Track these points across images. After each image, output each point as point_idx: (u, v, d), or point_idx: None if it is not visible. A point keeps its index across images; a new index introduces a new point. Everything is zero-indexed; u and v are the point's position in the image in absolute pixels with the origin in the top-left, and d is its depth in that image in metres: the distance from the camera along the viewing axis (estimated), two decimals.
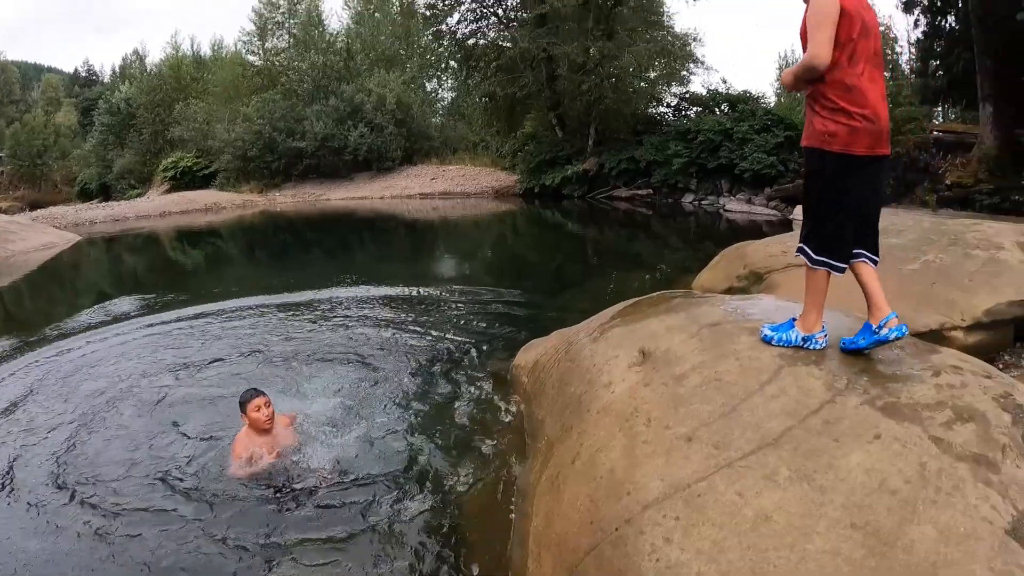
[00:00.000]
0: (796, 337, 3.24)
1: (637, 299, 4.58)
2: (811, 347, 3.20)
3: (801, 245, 3.24)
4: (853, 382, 2.88)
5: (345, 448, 4.37)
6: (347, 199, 30.65)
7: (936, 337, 4.99)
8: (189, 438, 4.71)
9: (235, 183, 34.59)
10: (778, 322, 3.39)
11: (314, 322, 7.89)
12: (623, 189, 26.32)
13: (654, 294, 4.62)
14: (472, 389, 5.41)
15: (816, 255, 3.18)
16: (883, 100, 3.15)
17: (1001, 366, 5.15)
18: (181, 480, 4.13)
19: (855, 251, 3.24)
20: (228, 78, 40.15)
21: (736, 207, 21.46)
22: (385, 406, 5.13)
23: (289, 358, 6.47)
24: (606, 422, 3.21)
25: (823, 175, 3.13)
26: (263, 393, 4.32)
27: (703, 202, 23.77)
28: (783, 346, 3.23)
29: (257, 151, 33.19)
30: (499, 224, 22.57)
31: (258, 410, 4.20)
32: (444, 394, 5.37)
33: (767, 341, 3.27)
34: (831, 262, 3.18)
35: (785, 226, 15.61)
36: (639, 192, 25.92)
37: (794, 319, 3.32)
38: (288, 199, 31.73)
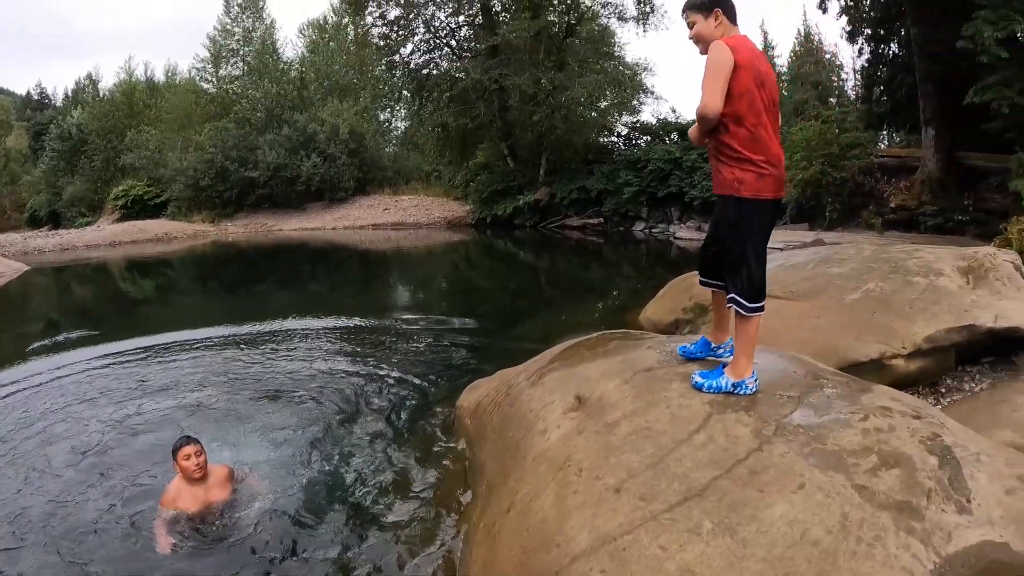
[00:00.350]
0: (726, 383, 3.25)
1: (577, 340, 4.57)
2: (742, 392, 3.22)
3: (733, 296, 3.26)
4: (781, 428, 2.88)
5: (282, 500, 4.24)
6: (300, 230, 30.43)
7: (878, 366, 5.07)
8: (116, 492, 4.51)
9: (187, 213, 34.08)
10: (709, 368, 3.40)
11: (261, 358, 7.75)
12: (575, 218, 26.66)
13: (593, 335, 4.61)
14: (420, 431, 5.31)
15: (750, 303, 3.22)
16: (780, 147, 3.29)
17: (944, 390, 5.24)
18: (101, 543, 3.91)
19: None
20: (181, 105, 39.59)
21: (686, 234, 21.77)
22: (329, 452, 5.00)
23: (232, 398, 6.31)
24: (540, 470, 3.19)
25: (741, 223, 3.21)
26: (195, 441, 4.19)
27: (654, 230, 24.15)
28: (714, 393, 3.24)
29: (209, 180, 32.76)
30: (452, 254, 22.60)
31: (188, 458, 4.07)
32: (391, 436, 5.25)
33: (698, 388, 3.27)
34: (760, 306, 3.24)
35: None
36: (590, 221, 26.28)
37: (724, 365, 3.35)
38: (240, 229, 31.36)
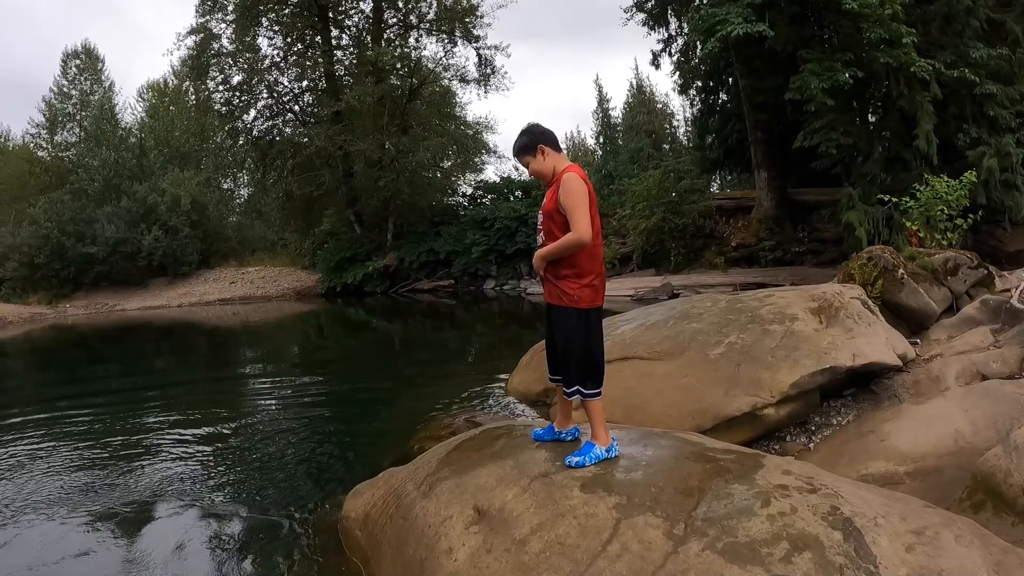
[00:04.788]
0: (600, 452, 3.59)
1: (461, 440, 4.41)
2: (612, 454, 3.62)
3: (576, 388, 3.65)
4: (691, 525, 2.87)
5: None
6: (143, 308, 28.82)
7: (751, 417, 5.22)
8: None
9: (22, 294, 31.55)
10: (575, 449, 3.68)
11: (104, 460, 6.82)
12: (425, 281, 26.95)
13: (477, 432, 4.49)
14: (304, 544, 4.69)
15: (589, 391, 3.65)
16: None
17: (813, 428, 5.44)
18: None
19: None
20: (14, 174, 37.02)
21: (537, 289, 22.25)
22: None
23: (70, 516, 5.33)
24: None
25: (584, 329, 3.64)
26: None
27: (504, 287, 24.73)
28: (594, 463, 3.53)
29: (45, 257, 30.62)
30: (304, 327, 21.94)
31: None
32: (273, 550, 4.60)
33: (579, 466, 3.49)
34: (600, 390, 3.68)
35: None
36: (441, 283, 26.62)
37: (590, 442, 3.64)
38: (80, 310, 29.29)
